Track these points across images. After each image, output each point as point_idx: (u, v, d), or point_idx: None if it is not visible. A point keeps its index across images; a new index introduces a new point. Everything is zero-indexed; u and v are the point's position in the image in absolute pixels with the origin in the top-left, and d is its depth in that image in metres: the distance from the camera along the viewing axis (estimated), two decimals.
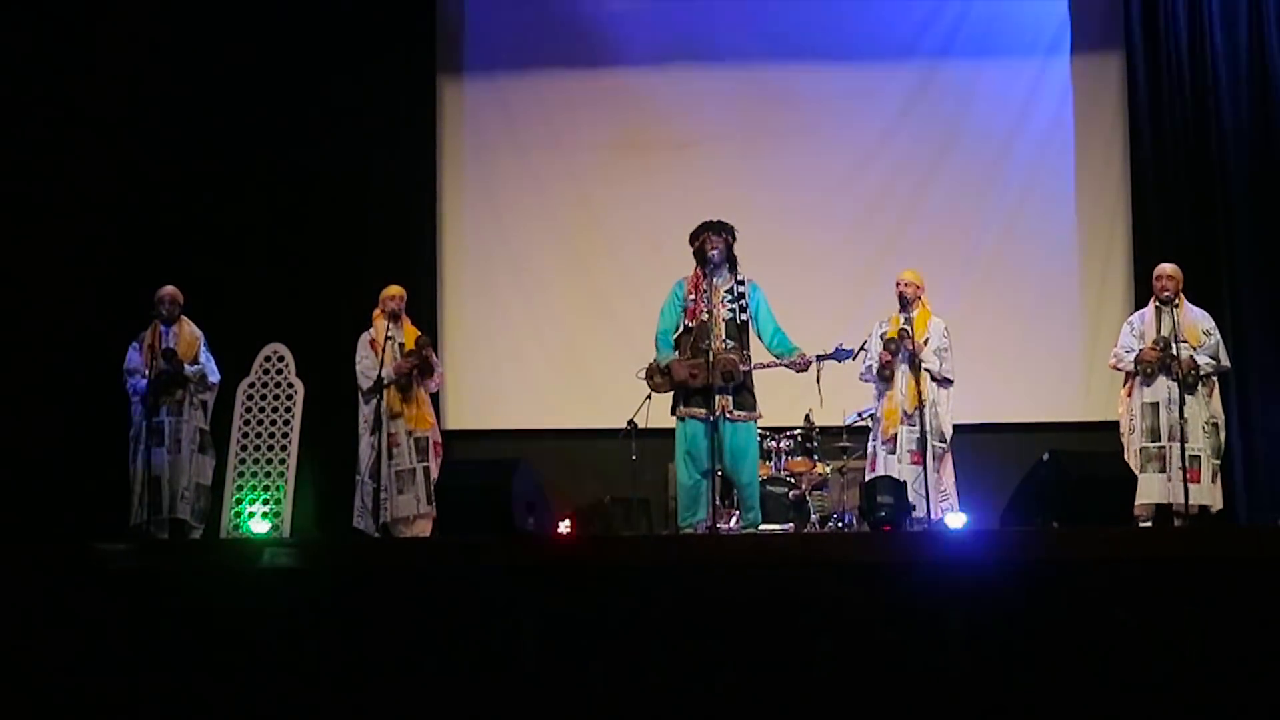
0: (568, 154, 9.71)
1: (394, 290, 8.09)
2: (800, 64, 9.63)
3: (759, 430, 7.53)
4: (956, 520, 7.16)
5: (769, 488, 8.09)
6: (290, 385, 8.55)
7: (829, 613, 4.97)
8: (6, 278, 8.66)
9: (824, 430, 8.50)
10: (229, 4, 9.39)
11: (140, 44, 9.19)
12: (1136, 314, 8.04)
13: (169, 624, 5.14)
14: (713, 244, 7.25)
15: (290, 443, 8.45)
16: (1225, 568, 5.00)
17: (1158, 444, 7.57)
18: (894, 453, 7.51)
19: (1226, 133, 9.03)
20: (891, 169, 9.54)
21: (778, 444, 8.44)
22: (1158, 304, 7.77)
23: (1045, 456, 6.80)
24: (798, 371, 7.21)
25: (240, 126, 9.33)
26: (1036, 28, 9.55)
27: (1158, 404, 7.60)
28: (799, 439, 8.50)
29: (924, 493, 7.21)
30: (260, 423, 8.51)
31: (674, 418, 7.26)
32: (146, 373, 7.84)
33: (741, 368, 7.10)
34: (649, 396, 7.42)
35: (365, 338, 8.04)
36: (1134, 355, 7.71)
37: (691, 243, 7.36)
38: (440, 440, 8.15)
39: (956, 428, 7.70)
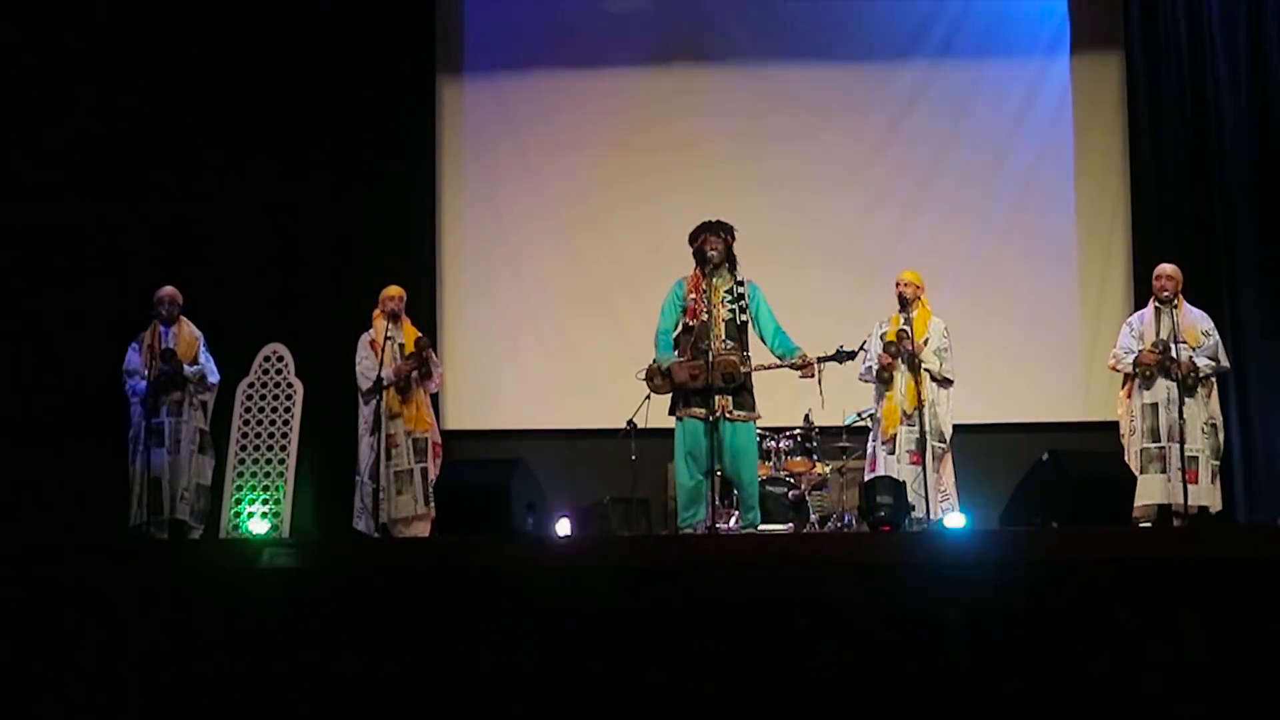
0: (567, 154, 9.70)
1: (394, 291, 8.09)
2: (800, 64, 9.63)
3: (758, 430, 7.53)
4: (956, 520, 7.16)
5: (768, 488, 8.09)
6: (290, 385, 8.56)
7: (828, 613, 4.97)
8: (6, 278, 8.66)
9: (823, 430, 8.49)
10: (229, 5, 9.39)
11: (140, 44, 9.19)
12: (1136, 314, 8.04)
13: (169, 624, 5.15)
14: (712, 244, 7.24)
15: (290, 443, 8.45)
16: (1224, 568, 5.00)
17: (1158, 445, 7.57)
18: (893, 453, 7.52)
19: (1226, 132, 9.03)
20: (891, 169, 9.54)
21: (777, 444, 8.44)
22: (1157, 304, 7.78)
23: (1045, 456, 6.81)
24: (801, 375, 7.18)
25: (240, 127, 9.32)
26: (1036, 28, 9.54)
27: (1157, 405, 7.60)
28: (798, 439, 8.49)
29: (923, 493, 7.21)
30: (260, 423, 8.51)
31: (672, 418, 7.26)
32: (146, 373, 7.83)
33: (742, 369, 7.10)
34: (648, 397, 7.41)
35: (365, 338, 8.04)
36: (1133, 357, 7.71)
37: (691, 243, 7.35)
38: (439, 441, 8.15)
39: (956, 428, 7.70)
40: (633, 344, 7.92)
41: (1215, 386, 7.74)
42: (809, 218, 9.49)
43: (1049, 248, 9.43)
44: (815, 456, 8.50)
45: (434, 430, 8.10)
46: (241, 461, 8.43)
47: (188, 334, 8.08)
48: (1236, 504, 8.39)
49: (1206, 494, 7.54)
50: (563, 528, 6.98)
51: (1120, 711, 4.81)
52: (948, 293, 8.58)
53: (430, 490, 7.80)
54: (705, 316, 7.16)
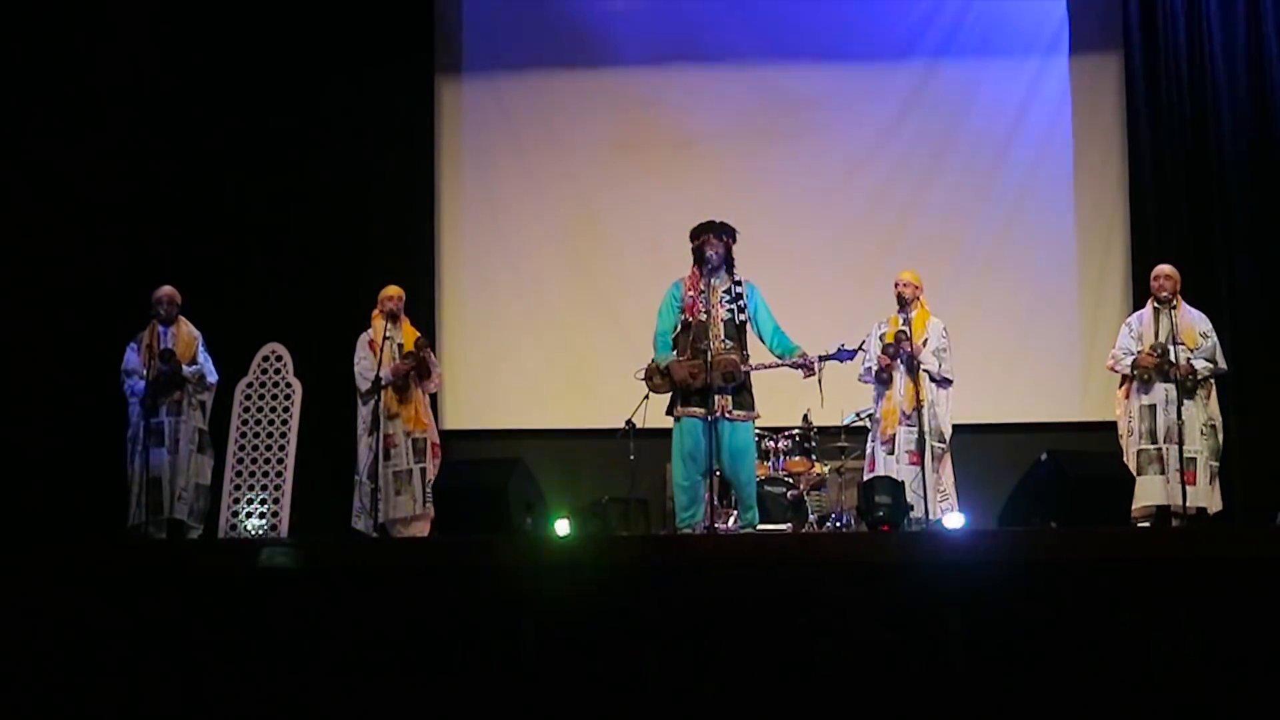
0: (567, 154, 9.71)
1: (392, 291, 8.09)
2: (800, 64, 9.64)
3: (757, 430, 7.53)
4: (955, 520, 7.16)
5: (767, 488, 8.10)
6: (288, 385, 8.55)
7: (827, 613, 4.97)
8: (6, 278, 8.66)
9: (822, 430, 8.50)
10: (229, 5, 9.39)
11: (140, 44, 9.19)
12: (1134, 315, 8.04)
13: (168, 624, 5.14)
14: (712, 246, 7.24)
15: (288, 443, 8.44)
16: (1223, 568, 5.00)
17: (1156, 446, 7.57)
18: (892, 453, 7.51)
19: (1225, 133, 9.04)
20: (891, 169, 9.54)
21: (776, 444, 8.44)
22: (1155, 304, 7.78)
23: (1043, 456, 6.81)
24: (805, 375, 7.17)
25: (239, 127, 9.33)
26: (1035, 28, 9.55)
27: (1155, 406, 7.60)
28: (797, 439, 8.49)
29: (922, 493, 7.22)
30: (258, 423, 8.50)
31: (670, 418, 7.26)
32: (145, 373, 7.84)
33: (742, 368, 7.10)
34: (647, 396, 7.42)
35: (364, 338, 8.04)
36: (1131, 359, 7.71)
37: (692, 240, 7.34)
38: (438, 441, 8.14)
39: (955, 428, 7.70)
40: (632, 344, 7.92)
41: (1214, 387, 7.73)
42: (808, 218, 9.50)
43: (1048, 248, 9.44)
44: (814, 456, 8.50)
45: (432, 430, 8.10)
46: (240, 461, 8.42)
47: (186, 334, 8.08)
48: (1235, 505, 8.37)
49: (1205, 495, 7.53)
50: (562, 528, 6.98)
51: (1119, 712, 4.80)
52: (947, 293, 8.59)
53: (429, 490, 7.80)
54: (704, 316, 7.16)
